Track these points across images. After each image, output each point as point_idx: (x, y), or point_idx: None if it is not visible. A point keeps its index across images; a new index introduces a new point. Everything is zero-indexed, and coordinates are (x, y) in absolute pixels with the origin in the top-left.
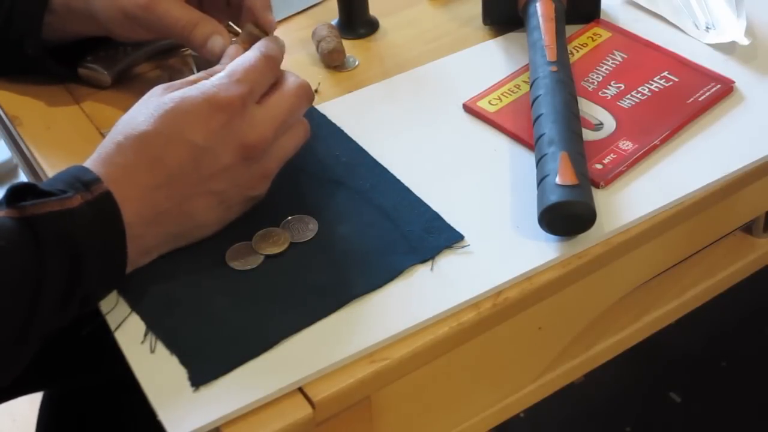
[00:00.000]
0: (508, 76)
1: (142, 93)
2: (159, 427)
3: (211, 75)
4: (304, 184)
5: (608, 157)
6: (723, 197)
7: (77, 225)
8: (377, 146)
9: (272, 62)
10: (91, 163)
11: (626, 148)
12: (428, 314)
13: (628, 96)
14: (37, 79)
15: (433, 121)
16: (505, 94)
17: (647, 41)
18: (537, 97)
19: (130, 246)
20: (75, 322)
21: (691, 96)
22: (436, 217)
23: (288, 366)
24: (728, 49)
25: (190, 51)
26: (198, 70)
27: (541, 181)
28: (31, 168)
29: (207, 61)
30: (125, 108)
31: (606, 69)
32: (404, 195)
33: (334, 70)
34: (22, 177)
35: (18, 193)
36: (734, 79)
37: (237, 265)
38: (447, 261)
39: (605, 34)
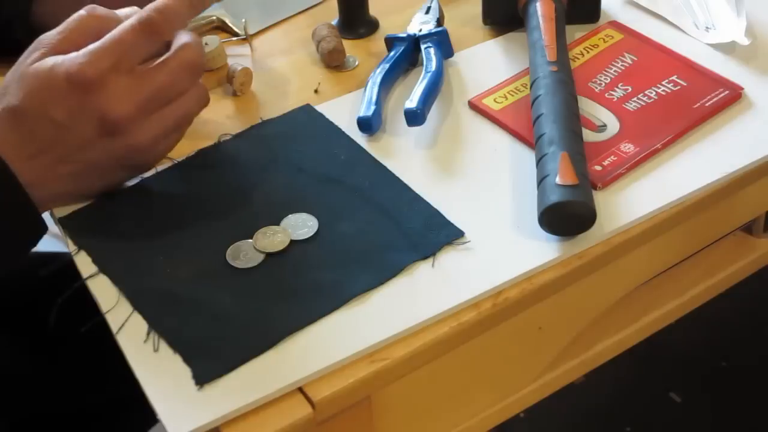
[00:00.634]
0: (514, 75)
1: None
2: None
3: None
4: (303, 183)
5: (608, 159)
6: (723, 197)
7: None
8: (377, 145)
9: (147, 28)
10: None
11: (627, 150)
12: (428, 314)
13: (635, 99)
14: None
15: (434, 120)
16: (510, 92)
17: (659, 44)
18: (537, 97)
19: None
20: (75, 319)
21: (698, 101)
22: (436, 214)
23: (288, 366)
24: (728, 49)
25: None
26: None
27: (541, 181)
28: None
29: None
30: None
31: (615, 71)
32: (404, 192)
33: (334, 70)
34: None
35: None
36: (736, 81)
37: (238, 263)
38: (447, 260)
39: (617, 36)
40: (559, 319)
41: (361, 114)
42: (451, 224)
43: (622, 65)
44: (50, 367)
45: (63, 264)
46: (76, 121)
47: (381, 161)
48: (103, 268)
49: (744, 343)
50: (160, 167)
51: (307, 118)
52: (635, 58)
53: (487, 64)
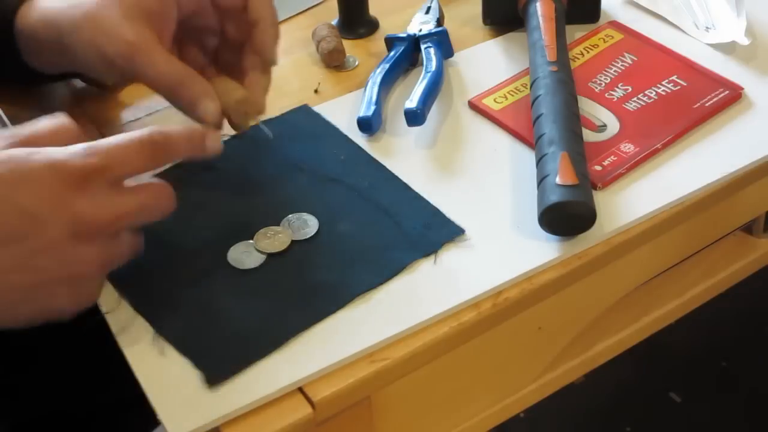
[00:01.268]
0: (514, 75)
1: (144, 92)
2: None
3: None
4: (303, 183)
5: (608, 159)
6: (723, 197)
7: None
8: (377, 145)
9: (151, 148)
10: None
11: (627, 150)
12: (428, 314)
13: (635, 99)
14: None
15: (434, 120)
16: (510, 92)
17: (659, 44)
18: (537, 97)
19: None
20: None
21: (698, 101)
22: (436, 213)
23: (288, 366)
24: (728, 49)
25: None
26: None
27: (541, 181)
28: None
29: None
30: (126, 108)
31: (615, 71)
32: (403, 192)
33: (334, 70)
34: None
35: None
36: (736, 81)
37: (240, 264)
38: (447, 260)
39: (617, 36)
40: (559, 319)
41: (361, 114)
42: (452, 222)
43: (622, 65)
44: (51, 368)
45: None
46: (45, 216)
47: (381, 161)
48: None
49: (744, 343)
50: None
51: (304, 119)
52: (635, 58)
53: (487, 64)
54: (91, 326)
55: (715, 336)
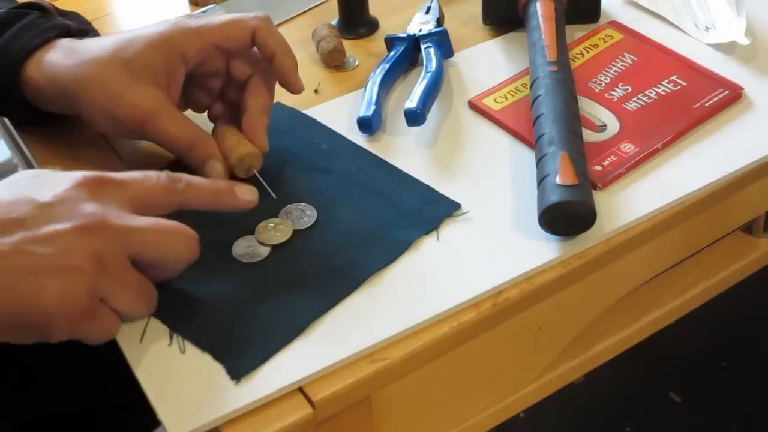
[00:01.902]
0: (514, 75)
1: None
2: None
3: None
4: (292, 176)
5: (608, 159)
6: (723, 197)
7: None
8: (377, 145)
9: (172, 188)
10: None
11: (627, 150)
12: (428, 314)
13: (635, 99)
14: None
15: (434, 120)
16: (510, 92)
17: (659, 44)
18: (537, 97)
19: None
20: None
21: (698, 101)
22: (430, 190)
23: (288, 366)
24: (728, 49)
25: None
26: None
27: (541, 181)
28: (31, 168)
29: None
30: None
31: (615, 71)
32: (393, 173)
33: (334, 70)
34: None
35: None
36: (736, 81)
37: (245, 258)
38: (447, 260)
39: (617, 36)
40: (559, 319)
41: (361, 114)
42: (447, 198)
43: (622, 65)
44: (52, 369)
45: None
46: (54, 204)
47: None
48: None
49: (744, 343)
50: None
51: (279, 114)
52: (635, 58)
53: (487, 64)
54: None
55: (715, 336)
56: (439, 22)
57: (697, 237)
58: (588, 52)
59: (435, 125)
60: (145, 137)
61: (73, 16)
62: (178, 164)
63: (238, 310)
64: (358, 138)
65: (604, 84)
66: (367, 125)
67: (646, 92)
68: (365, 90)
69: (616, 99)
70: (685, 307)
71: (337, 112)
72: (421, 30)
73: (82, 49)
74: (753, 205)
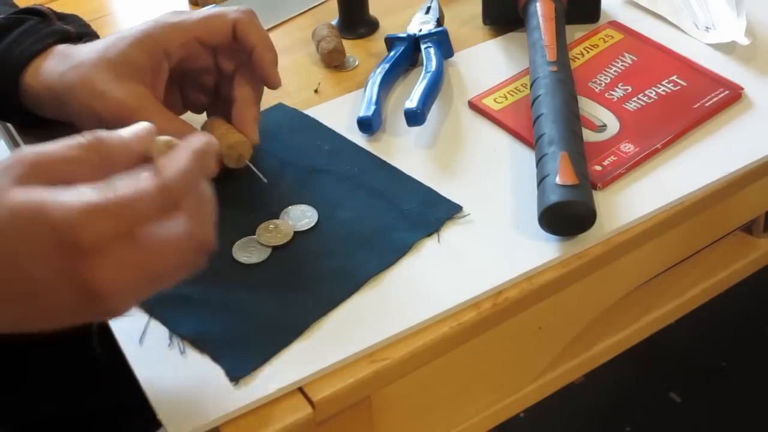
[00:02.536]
0: (514, 75)
1: None
2: None
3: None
4: (293, 177)
5: (608, 159)
6: (723, 197)
7: None
8: (377, 145)
9: (166, 199)
10: None
11: (627, 150)
12: (428, 314)
13: (635, 99)
14: None
15: (434, 120)
16: (510, 92)
17: (659, 44)
18: (537, 97)
19: None
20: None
21: (698, 101)
22: (431, 191)
23: (288, 366)
24: (728, 49)
25: None
26: None
27: (541, 181)
28: None
29: None
30: None
31: (615, 71)
32: (394, 175)
33: (334, 70)
34: None
35: None
36: (736, 81)
37: (246, 259)
38: (446, 260)
39: (617, 36)
40: (559, 319)
41: (361, 114)
42: (448, 200)
43: (622, 65)
44: (52, 370)
45: None
46: (52, 283)
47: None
48: None
49: (744, 343)
50: None
51: (281, 115)
52: (635, 58)
53: (487, 64)
54: (92, 329)
55: (715, 336)
56: (439, 22)
57: (697, 237)
58: (588, 52)
59: (435, 125)
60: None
61: (73, 19)
62: None
63: (238, 311)
64: (358, 138)
65: (604, 84)
66: (367, 125)
67: (646, 92)
68: (365, 90)
69: (616, 99)
70: (685, 307)
71: (337, 112)
72: (421, 30)
73: (74, 54)
74: (753, 205)
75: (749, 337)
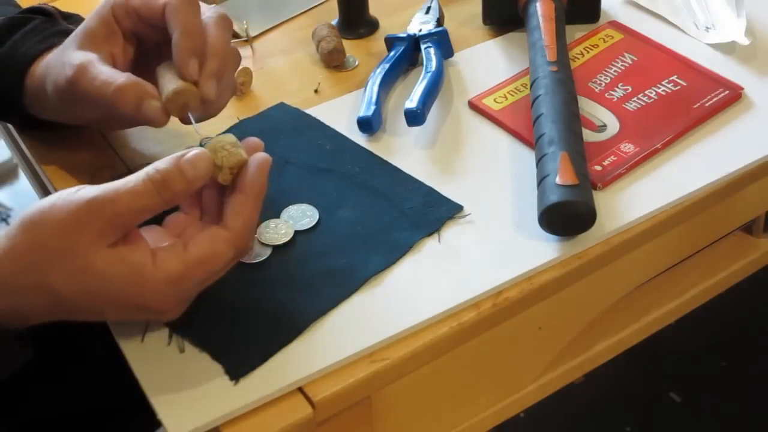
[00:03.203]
0: (514, 75)
1: None
2: None
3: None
4: (294, 176)
5: (608, 159)
6: (723, 197)
7: None
8: (377, 145)
9: (234, 247)
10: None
11: (627, 150)
12: (428, 314)
13: (635, 99)
14: None
15: (434, 120)
16: (510, 92)
17: (659, 44)
18: (537, 97)
19: None
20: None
21: (698, 101)
22: (432, 191)
23: (288, 366)
24: (728, 49)
25: None
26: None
27: (541, 181)
28: (31, 168)
29: None
30: None
31: (615, 71)
32: (395, 174)
33: (334, 70)
34: (22, 177)
35: None
36: (736, 81)
37: (247, 258)
38: (447, 260)
39: (617, 36)
40: (559, 319)
41: (361, 114)
42: (449, 200)
43: (622, 65)
44: (53, 370)
45: None
46: (122, 315)
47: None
48: None
49: (744, 343)
50: None
51: (283, 114)
52: (635, 58)
53: (487, 64)
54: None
55: (715, 336)
56: (439, 22)
57: (697, 237)
58: (588, 52)
59: (435, 125)
60: (83, 99)
61: (76, 18)
62: None
63: (238, 310)
64: (358, 138)
65: (604, 84)
66: (367, 125)
67: (646, 92)
68: (365, 90)
69: (616, 99)
70: (685, 307)
71: (337, 113)
72: (421, 30)
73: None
74: (753, 205)
75: (749, 337)
